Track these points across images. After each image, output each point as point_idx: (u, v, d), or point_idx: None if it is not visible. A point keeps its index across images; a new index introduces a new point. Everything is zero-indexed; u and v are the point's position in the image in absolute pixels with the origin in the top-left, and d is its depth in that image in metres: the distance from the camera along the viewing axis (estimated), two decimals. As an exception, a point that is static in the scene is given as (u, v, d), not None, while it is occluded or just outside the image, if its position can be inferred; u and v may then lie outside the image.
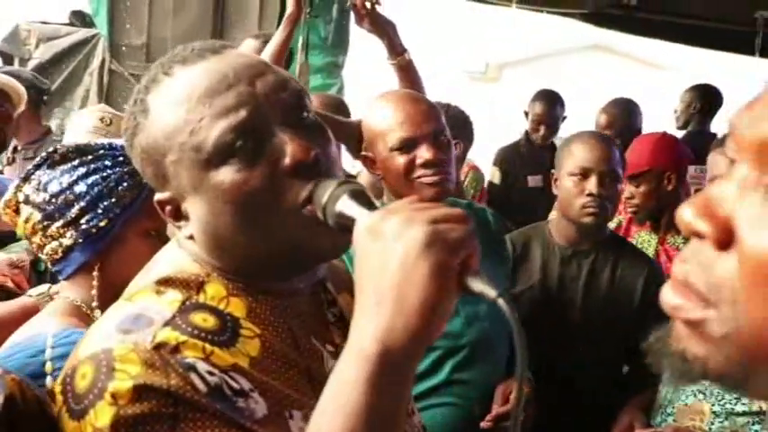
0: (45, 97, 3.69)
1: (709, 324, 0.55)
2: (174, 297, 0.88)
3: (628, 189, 2.74)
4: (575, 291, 2.25)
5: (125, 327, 0.83)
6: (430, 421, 1.60)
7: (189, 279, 0.90)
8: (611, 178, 2.19)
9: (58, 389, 0.85)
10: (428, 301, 0.70)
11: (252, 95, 0.86)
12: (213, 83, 0.87)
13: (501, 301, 0.71)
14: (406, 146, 1.73)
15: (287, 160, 0.85)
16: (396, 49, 2.32)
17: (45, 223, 1.38)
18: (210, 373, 0.81)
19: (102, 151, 1.41)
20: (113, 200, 1.37)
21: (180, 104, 0.87)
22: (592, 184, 2.16)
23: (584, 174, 2.18)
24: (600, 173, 2.17)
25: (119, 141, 1.50)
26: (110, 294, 1.25)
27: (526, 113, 4.39)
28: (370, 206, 0.80)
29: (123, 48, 4.83)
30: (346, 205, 0.81)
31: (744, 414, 1.72)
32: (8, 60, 4.88)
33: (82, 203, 1.36)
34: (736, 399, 1.74)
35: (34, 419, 1.07)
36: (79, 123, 2.43)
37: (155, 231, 1.43)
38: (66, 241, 1.37)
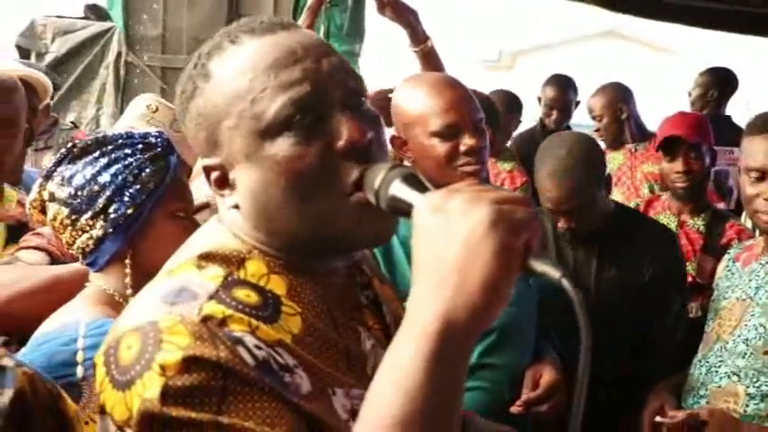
0: (56, 92, 3.72)
1: None
2: (215, 272, 0.88)
3: (681, 162, 2.69)
4: (588, 270, 2.26)
5: (170, 299, 0.83)
6: (460, 405, 1.60)
7: (230, 255, 0.90)
8: (579, 211, 2.19)
9: (100, 360, 0.85)
10: (491, 279, 0.70)
11: (317, 72, 0.88)
12: (280, 55, 0.88)
13: (565, 282, 0.71)
14: (450, 132, 1.71)
15: (343, 140, 0.86)
16: (419, 36, 2.30)
17: (73, 217, 1.39)
18: (258, 347, 0.81)
19: (120, 141, 1.42)
20: (138, 186, 1.38)
21: (244, 72, 0.88)
22: (561, 221, 2.22)
23: (551, 211, 2.21)
24: (563, 211, 2.19)
25: (140, 130, 1.51)
26: (143, 281, 1.27)
27: (539, 99, 4.38)
28: (424, 189, 0.81)
29: (139, 40, 4.84)
30: (400, 189, 0.82)
31: None
32: (25, 55, 4.90)
33: (108, 193, 1.37)
34: (772, 380, 1.73)
35: (45, 414, 1.07)
36: (130, 110, 2.48)
37: (182, 212, 1.45)
38: (97, 232, 1.38)
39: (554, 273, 0.72)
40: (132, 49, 4.81)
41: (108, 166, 1.39)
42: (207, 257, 0.90)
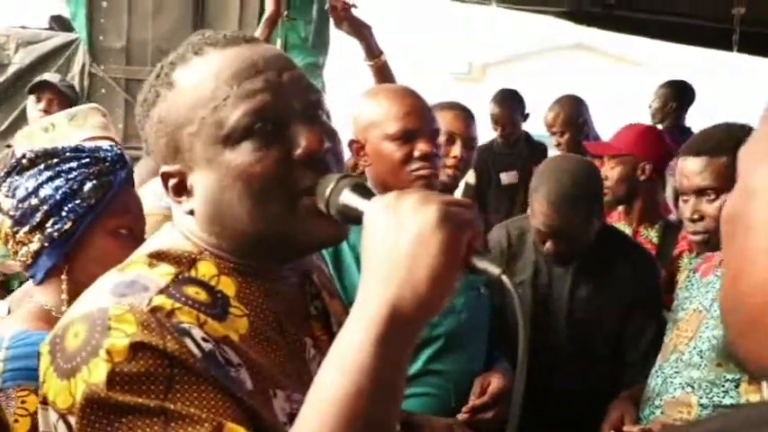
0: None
1: None
2: (166, 270, 0.90)
3: (603, 170, 2.73)
4: (562, 287, 2.26)
5: (120, 290, 0.85)
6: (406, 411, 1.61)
7: (182, 255, 0.93)
8: (572, 238, 2.19)
9: (45, 349, 0.85)
10: (438, 273, 0.74)
11: (278, 84, 0.91)
12: (243, 66, 0.91)
13: (504, 278, 0.76)
14: (406, 136, 1.76)
15: (300, 148, 0.89)
16: (373, 50, 2.39)
17: (15, 229, 1.38)
18: (204, 340, 0.83)
19: (68, 154, 1.41)
20: (77, 201, 1.38)
21: (208, 81, 0.91)
22: (549, 245, 2.21)
23: (542, 234, 2.21)
24: (556, 236, 2.18)
25: (89, 144, 1.49)
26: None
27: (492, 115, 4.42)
28: (372, 198, 0.85)
29: (103, 51, 4.79)
30: (349, 197, 0.86)
31: (731, 407, 1.73)
32: (-13, 66, 4.84)
33: (46, 207, 1.37)
34: (723, 392, 1.75)
35: None
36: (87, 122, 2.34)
37: (125, 230, 1.43)
38: (34, 246, 1.38)
39: (494, 270, 0.77)
40: (96, 61, 4.76)
41: (51, 179, 1.38)
42: (158, 256, 0.92)
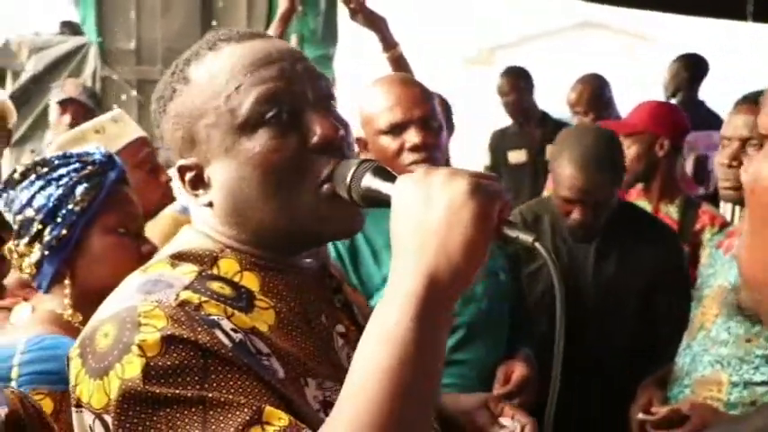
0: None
1: None
2: (189, 268, 0.90)
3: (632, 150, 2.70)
4: (585, 267, 2.23)
5: (146, 288, 0.86)
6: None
7: (203, 254, 0.93)
8: (598, 205, 2.14)
9: (75, 353, 0.85)
10: (471, 242, 0.76)
11: (291, 72, 0.92)
12: (257, 57, 0.92)
13: (538, 245, 0.77)
14: (396, 129, 1.74)
15: (316, 136, 0.90)
16: (388, 42, 2.41)
17: (15, 243, 1.40)
18: (234, 331, 0.83)
19: (56, 162, 1.42)
20: (70, 206, 1.39)
21: (222, 73, 0.92)
22: (576, 213, 2.14)
23: (568, 201, 2.15)
24: (584, 203, 2.12)
25: (77, 150, 1.50)
26: (88, 299, 1.30)
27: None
28: (394, 180, 0.85)
29: (113, 53, 4.82)
30: (372, 181, 0.86)
31: (763, 384, 1.71)
32: (1, 75, 4.88)
33: (41, 216, 1.38)
34: (754, 369, 1.73)
35: (37, 429, 1.07)
36: None
37: (123, 228, 1.44)
38: (35, 257, 1.40)
39: (527, 237, 0.78)
40: (107, 63, 4.79)
41: (42, 188, 1.39)
42: (179, 257, 0.92)
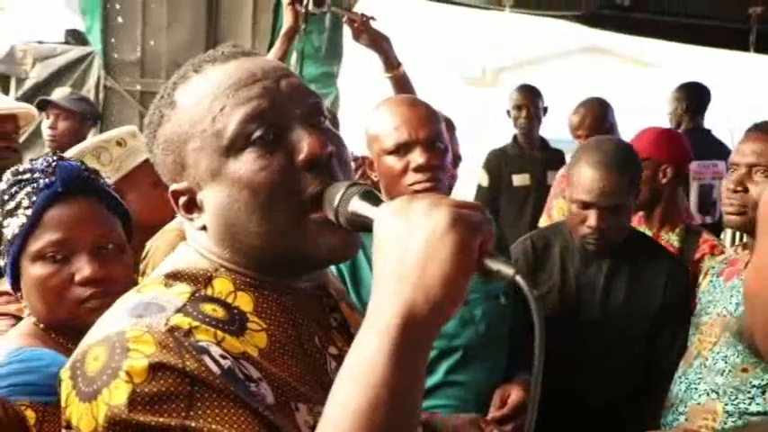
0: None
1: None
2: (183, 289, 0.90)
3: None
4: (593, 294, 2.20)
5: (137, 312, 0.85)
6: (427, 423, 1.58)
7: (197, 273, 0.92)
8: (615, 211, 2.10)
9: (65, 374, 0.85)
10: (450, 275, 0.73)
11: (276, 91, 0.91)
12: (240, 77, 0.91)
13: (519, 278, 0.74)
14: (401, 149, 1.74)
15: (303, 153, 0.89)
16: (391, 62, 2.41)
17: None
18: (223, 357, 0.82)
19: (12, 179, 1.35)
20: (8, 236, 1.33)
21: (206, 96, 0.91)
22: (592, 219, 2.09)
23: (585, 206, 2.10)
24: (600, 207, 2.08)
25: (34, 165, 1.39)
26: (47, 325, 1.31)
27: (509, 112, 4.39)
28: (380, 204, 0.84)
29: (117, 64, 4.83)
30: (359, 204, 0.85)
31: (758, 414, 1.70)
32: (5, 81, 4.89)
33: None
34: (750, 399, 1.72)
35: None
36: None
37: (51, 253, 1.31)
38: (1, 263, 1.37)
39: (508, 270, 0.75)
40: (111, 74, 4.80)
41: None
42: (174, 276, 0.92)
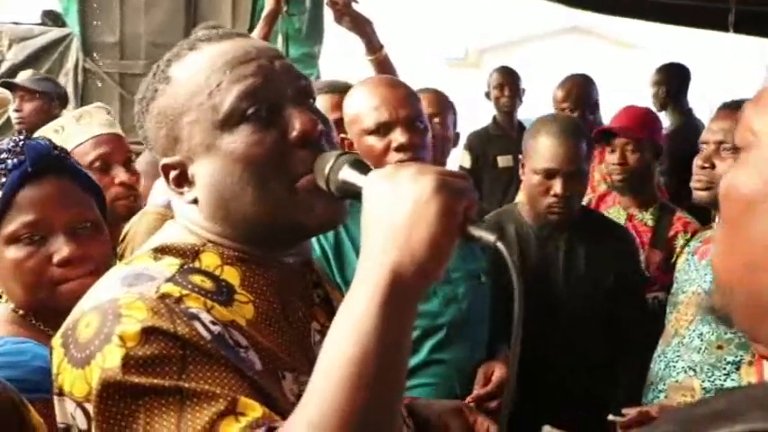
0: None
1: None
2: (171, 261, 0.93)
3: (617, 155, 2.69)
4: (555, 271, 2.24)
5: (128, 281, 0.88)
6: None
7: (185, 248, 0.95)
8: (578, 177, 2.14)
9: (57, 342, 0.87)
10: (435, 237, 0.77)
11: (270, 69, 0.94)
12: (236, 55, 0.94)
13: (500, 245, 0.78)
14: (381, 129, 1.75)
15: (296, 131, 0.92)
16: (373, 45, 2.40)
17: None
18: (213, 323, 0.85)
19: None
20: None
21: (202, 71, 0.94)
22: (557, 186, 2.11)
23: (550, 174, 2.12)
24: (566, 173, 2.11)
25: None
26: (27, 310, 1.29)
27: (487, 94, 4.43)
28: (369, 172, 0.86)
29: (96, 46, 4.77)
30: (349, 173, 0.88)
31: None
32: (-20, 63, 4.82)
33: None
34: (725, 375, 1.75)
35: (7, 420, 1.05)
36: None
37: (26, 234, 1.27)
38: None
39: (489, 237, 0.79)
40: (89, 56, 4.74)
41: None
42: (162, 250, 0.94)
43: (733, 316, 0.63)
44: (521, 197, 3.38)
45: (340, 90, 2.14)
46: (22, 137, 1.33)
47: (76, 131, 2.02)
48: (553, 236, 2.25)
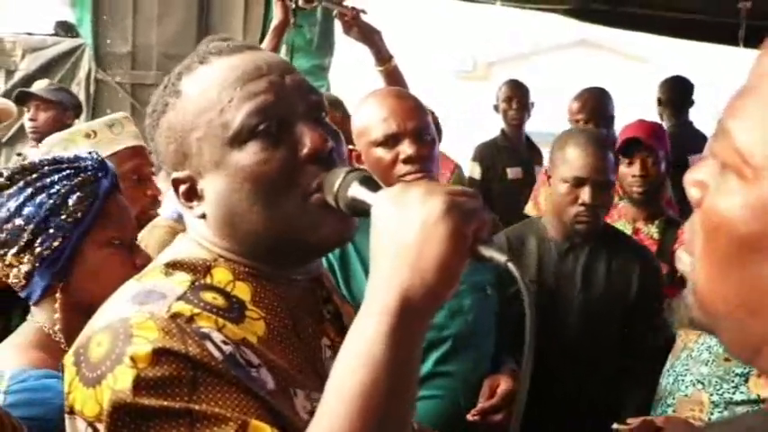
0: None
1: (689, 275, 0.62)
2: (182, 278, 0.92)
3: (638, 166, 2.69)
4: (572, 286, 2.24)
5: (139, 299, 0.87)
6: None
7: (196, 263, 0.95)
8: (606, 188, 2.16)
9: (69, 361, 0.87)
10: (445, 260, 0.76)
11: (281, 86, 0.94)
12: (247, 71, 0.94)
13: (511, 266, 0.77)
14: (390, 141, 1.75)
15: (306, 148, 0.91)
16: (382, 56, 2.42)
17: (2, 252, 1.33)
18: (225, 343, 0.85)
19: (47, 168, 1.35)
20: (63, 216, 1.32)
21: (213, 86, 0.93)
22: (586, 195, 2.13)
23: (578, 183, 2.14)
24: (594, 183, 2.13)
25: (68, 154, 1.42)
26: (79, 314, 1.22)
27: (496, 107, 4.43)
28: (378, 189, 0.86)
29: (108, 56, 4.80)
30: (358, 190, 0.87)
31: (742, 403, 1.72)
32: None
33: (32, 226, 1.31)
34: (734, 388, 1.74)
35: None
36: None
37: (118, 240, 1.38)
38: (25, 267, 1.32)
39: (500, 258, 0.78)
40: (102, 66, 4.77)
41: (32, 196, 1.31)
42: (173, 266, 0.94)
43: (720, 337, 0.60)
44: (530, 209, 3.40)
45: (329, 104, 2.15)
46: (92, 151, 1.45)
47: (110, 139, 2.04)
48: (574, 250, 2.25)
